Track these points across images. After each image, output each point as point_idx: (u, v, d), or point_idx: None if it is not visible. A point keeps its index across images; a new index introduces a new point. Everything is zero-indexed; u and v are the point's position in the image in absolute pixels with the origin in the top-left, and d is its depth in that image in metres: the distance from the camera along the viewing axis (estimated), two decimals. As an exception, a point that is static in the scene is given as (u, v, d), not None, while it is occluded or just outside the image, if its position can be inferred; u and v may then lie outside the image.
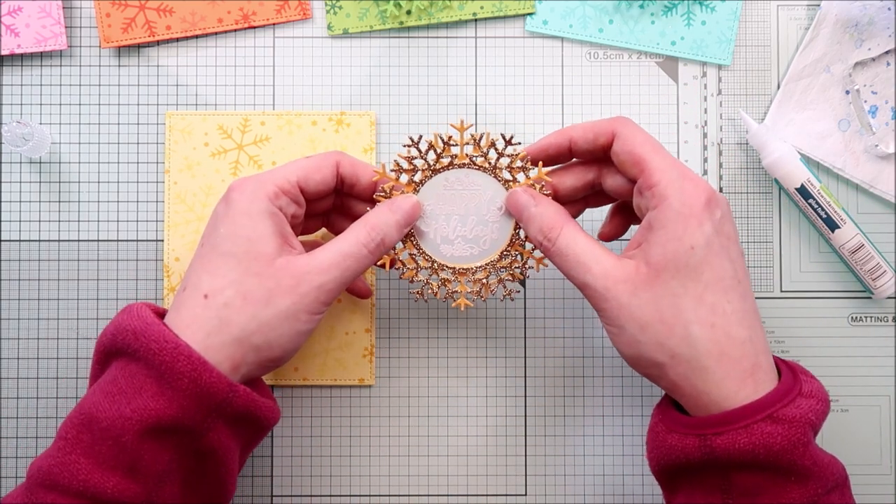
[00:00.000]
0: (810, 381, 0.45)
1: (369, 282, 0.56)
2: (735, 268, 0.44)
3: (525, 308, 0.57)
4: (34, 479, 0.43)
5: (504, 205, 0.49)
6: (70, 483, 0.42)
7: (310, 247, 0.54)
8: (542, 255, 0.49)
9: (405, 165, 0.49)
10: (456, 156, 0.49)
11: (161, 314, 0.46)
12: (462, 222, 0.50)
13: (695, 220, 0.43)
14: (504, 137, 0.49)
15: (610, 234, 0.52)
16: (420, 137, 0.49)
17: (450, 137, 0.49)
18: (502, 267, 0.50)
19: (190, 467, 0.44)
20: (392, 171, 0.49)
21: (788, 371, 0.45)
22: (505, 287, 0.51)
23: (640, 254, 0.44)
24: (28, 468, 0.44)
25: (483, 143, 0.49)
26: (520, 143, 0.50)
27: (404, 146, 0.49)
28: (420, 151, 0.49)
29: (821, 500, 0.43)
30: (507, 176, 0.49)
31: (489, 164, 0.49)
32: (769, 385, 0.44)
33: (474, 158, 0.49)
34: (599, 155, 0.49)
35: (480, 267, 0.50)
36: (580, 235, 0.46)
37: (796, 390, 0.44)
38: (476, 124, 0.57)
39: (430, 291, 0.50)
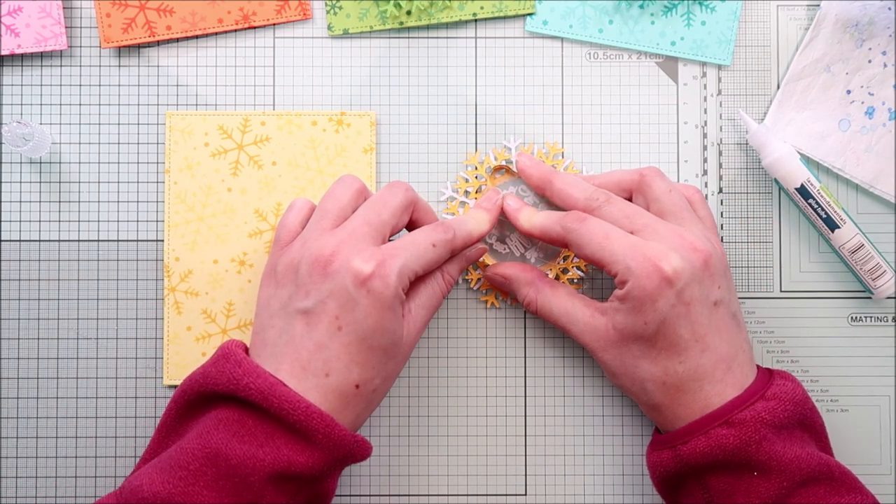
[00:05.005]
0: (780, 385, 0.49)
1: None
2: (694, 328, 0.48)
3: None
4: (147, 500, 0.44)
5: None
6: None
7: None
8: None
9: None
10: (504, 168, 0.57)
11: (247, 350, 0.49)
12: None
13: (649, 300, 0.47)
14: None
15: None
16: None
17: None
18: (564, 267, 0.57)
19: None
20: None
21: (763, 379, 0.50)
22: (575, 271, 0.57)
23: (611, 313, 0.50)
24: (130, 487, 0.45)
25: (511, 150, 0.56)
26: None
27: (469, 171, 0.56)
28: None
29: (794, 491, 0.47)
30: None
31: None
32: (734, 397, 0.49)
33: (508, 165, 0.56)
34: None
35: (562, 256, 0.56)
36: (554, 296, 0.53)
37: (757, 396, 0.48)
38: (476, 124, 0.57)
39: (500, 296, 0.56)
